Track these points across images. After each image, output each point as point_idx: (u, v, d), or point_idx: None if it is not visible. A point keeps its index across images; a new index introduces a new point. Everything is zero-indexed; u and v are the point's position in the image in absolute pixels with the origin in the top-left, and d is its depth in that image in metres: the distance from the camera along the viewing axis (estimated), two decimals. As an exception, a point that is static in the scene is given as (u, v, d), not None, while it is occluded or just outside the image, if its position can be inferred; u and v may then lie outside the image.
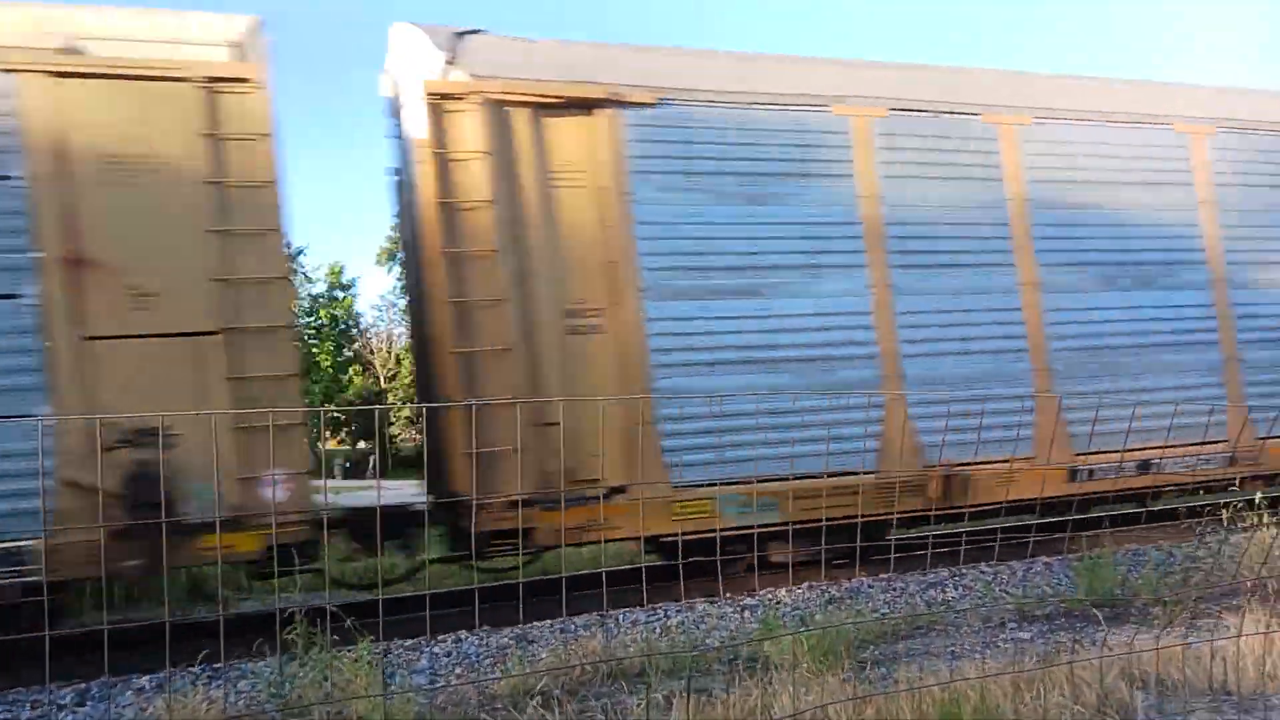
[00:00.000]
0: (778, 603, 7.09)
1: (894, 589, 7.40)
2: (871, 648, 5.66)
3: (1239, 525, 7.04)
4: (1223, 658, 4.46)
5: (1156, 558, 7.60)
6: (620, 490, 7.32)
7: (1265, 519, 6.73)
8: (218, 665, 5.86)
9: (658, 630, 6.43)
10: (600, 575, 6.46)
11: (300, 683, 4.89)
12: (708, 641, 6.05)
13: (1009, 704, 4.08)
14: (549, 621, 6.66)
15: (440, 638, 6.38)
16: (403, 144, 8.38)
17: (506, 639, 6.38)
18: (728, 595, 7.21)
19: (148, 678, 5.71)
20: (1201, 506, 7.58)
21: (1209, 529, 7.16)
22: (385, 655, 5.93)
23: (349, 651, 4.94)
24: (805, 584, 7.43)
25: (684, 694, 4.49)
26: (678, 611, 6.94)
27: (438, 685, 5.39)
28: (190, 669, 5.63)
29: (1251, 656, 4.51)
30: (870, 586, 7.49)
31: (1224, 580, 6.36)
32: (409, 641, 6.30)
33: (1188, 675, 4.47)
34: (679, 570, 5.61)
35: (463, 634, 6.47)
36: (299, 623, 4.92)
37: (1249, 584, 6.20)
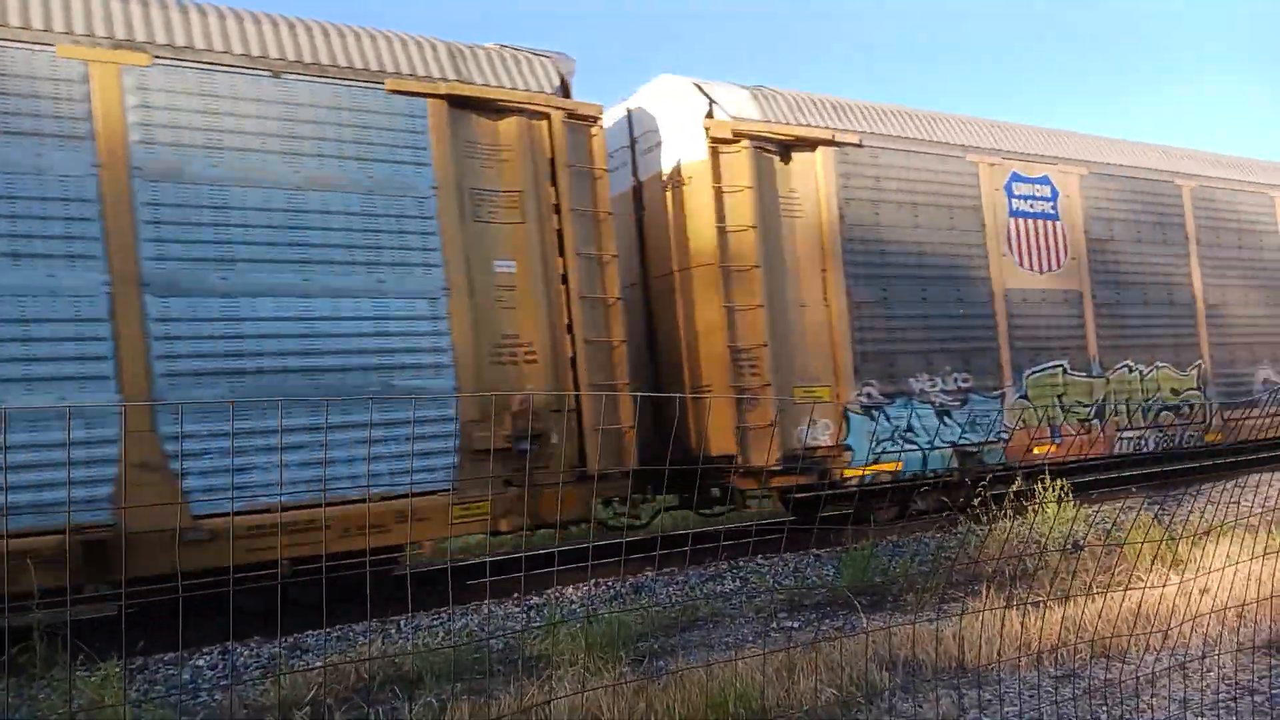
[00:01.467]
0: (566, 600, 7.15)
1: (677, 582, 7.63)
2: (652, 640, 5.81)
3: (983, 519, 7.73)
4: (961, 637, 4.88)
5: (914, 548, 8.22)
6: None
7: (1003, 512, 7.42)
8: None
9: (441, 634, 6.34)
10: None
11: (41, 705, 4.50)
12: (492, 642, 6.02)
13: (772, 690, 4.30)
14: (325, 630, 6.43)
15: (205, 649, 6.03)
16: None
17: (278, 648, 6.10)
18: (514, 596, 7.21)
19: None
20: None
21: (959, 522, 7.84)
22: (141, 670, 5.54)
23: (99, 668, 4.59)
24: (593, 580, 7.54)
25: (458, 696, 4.46)
26: (463, 615, 6.87)
27: (199, 698, 5.10)
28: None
29: (985, 634, 4.96)
30: (655, 581, 7.68)
31: (968, 568, 6.96)
32: (169, 656, 5.91)
33: (931, 654, 4.87)
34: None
35: (231, 644, 6.14)
36: (36, 637, 4.53)
37: (989, 570, 6.82)
